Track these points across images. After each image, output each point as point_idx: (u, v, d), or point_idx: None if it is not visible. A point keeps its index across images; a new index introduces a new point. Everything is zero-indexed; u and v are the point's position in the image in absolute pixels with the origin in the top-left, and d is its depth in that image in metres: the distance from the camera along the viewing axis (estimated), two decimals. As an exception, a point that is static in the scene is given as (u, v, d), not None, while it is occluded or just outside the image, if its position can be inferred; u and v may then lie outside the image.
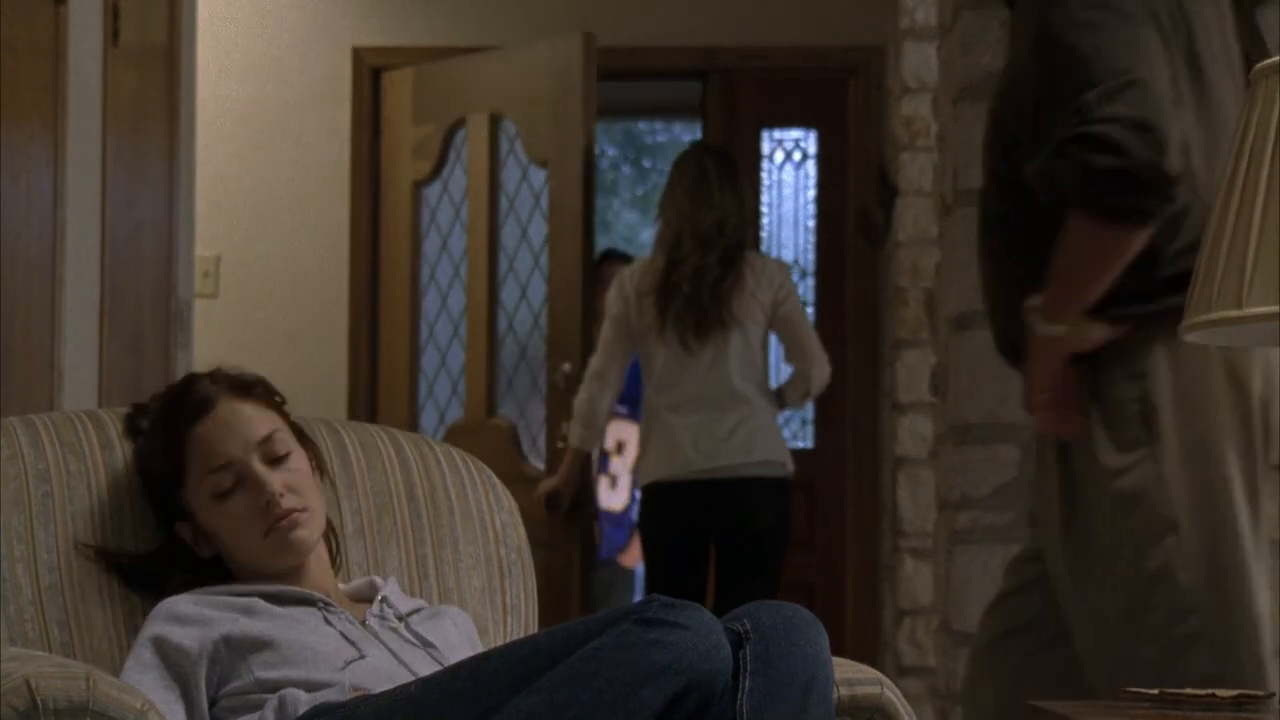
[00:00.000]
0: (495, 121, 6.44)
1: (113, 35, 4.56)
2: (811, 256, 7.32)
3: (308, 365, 6.79)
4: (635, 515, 6.79)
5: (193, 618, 2.38)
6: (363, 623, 2.46)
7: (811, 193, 7.31)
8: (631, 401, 6.39)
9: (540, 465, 6.15)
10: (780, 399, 5.58)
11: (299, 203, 7.01)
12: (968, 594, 4.32)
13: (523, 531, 2.79)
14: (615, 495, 6.85)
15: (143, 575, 2.50)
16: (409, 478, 2.73)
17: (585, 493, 5.96)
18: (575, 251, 6.08)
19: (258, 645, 2.36)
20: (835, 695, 2.29)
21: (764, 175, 7.29)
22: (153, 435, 2.53)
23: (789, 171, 7.37)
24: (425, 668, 2.38)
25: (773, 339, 5.65)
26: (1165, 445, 3.12)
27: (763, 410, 5.47)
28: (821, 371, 5.57)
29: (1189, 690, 2.80)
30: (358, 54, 7.01)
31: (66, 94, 4.21)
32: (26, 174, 4.05)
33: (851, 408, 7.04)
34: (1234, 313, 2.53)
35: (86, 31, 4.40)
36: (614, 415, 5.98)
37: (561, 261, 6.15)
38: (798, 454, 5.70)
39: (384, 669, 2.36)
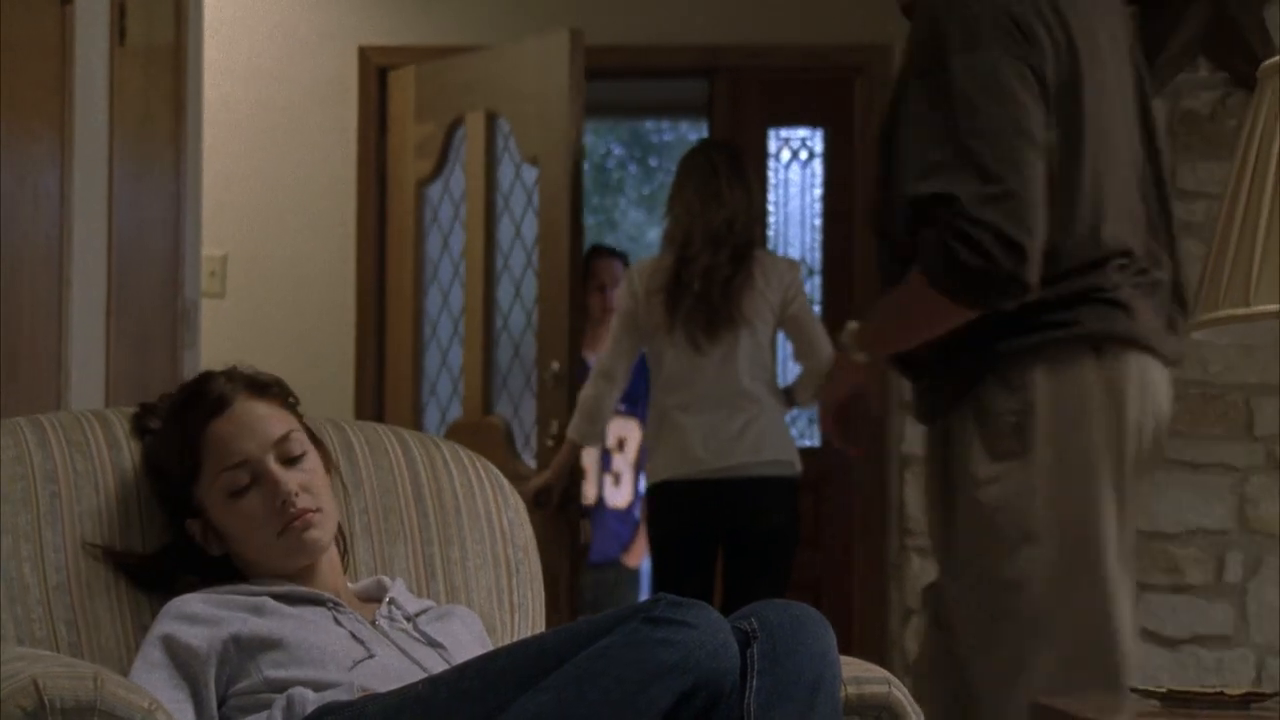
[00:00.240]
0: (491, 120, 6.44)
1: (119, 35, 4.56)
2: (818, 255, 7.32)
3: (314, 365, 6.79)
4: (638, 512, 6.79)
5: (202, 617, 2.38)
6: (372, 623, 2.46)
7: (818, 191, 7.30)
8: (630, 399, 6.39)
9: (533, 464, 6.15)
10: (789, 398, 5.58)
11: (306, 202, 7.01)
12: (975, 592, 4.31)
13: (530, 530, 2.79)
14: (619, 492, 6.85)
15: (150, 575, 2.50)
16: (416, 477, 2.73)
17: (574, 490, 5.94)
18: (563, 250, 6.07)
19: (267, 645, 2.36)
20: (842, 694, 2.29)
21: (770, 174, 7.29)
22: (167, 431, 2.53)
23: (795, 170, 7.36)
24: (435, 667, 2.38)
25: (779, 337, 5.65)
26: (1036, 458, 3.21)
27: (772, 409, 5.46)
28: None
29: (1196, 689, 2.80)
30: (364, 53, 7.01)
31: (73, 93, 4.21)
32: (32, 173, 4.06)
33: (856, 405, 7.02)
34: (1241, 310, 2.53)
35: (93, 31, 4.40)
36: (614, 412, 5.98)
37: (550, 260, 6.14)
38: (804, 452, 5.70)
39: (393, 668, 2.36)
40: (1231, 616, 4.30)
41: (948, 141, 3.15)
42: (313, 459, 2.52)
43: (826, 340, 5.57)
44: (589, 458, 6.36)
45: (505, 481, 2.81)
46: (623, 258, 6.88)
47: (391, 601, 2.52)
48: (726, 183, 5.51)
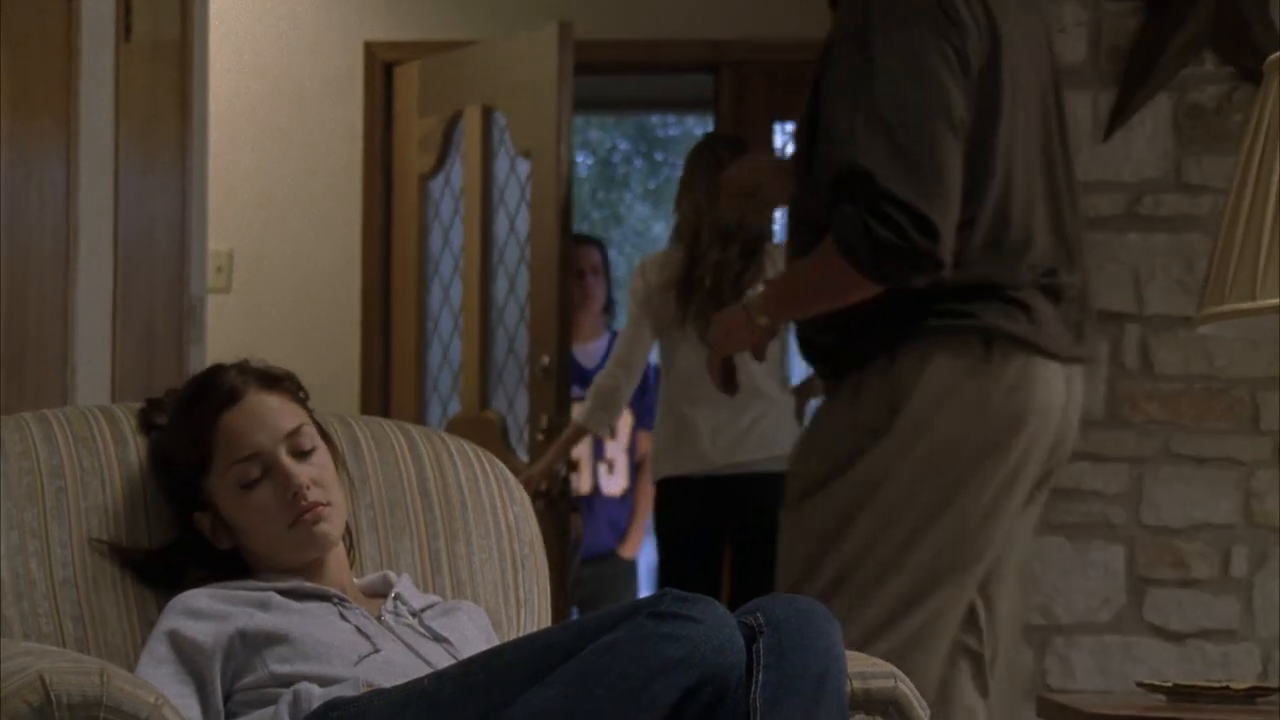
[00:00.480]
0: (487, 114, 6.42)
1: (125, 31, 4.56)
2: (823, 248, 7.30)
3: (320, 360, 6.79)
4: (633, 500, 6.78)
5: (208, 612, 2.39)
6: (378, 618, 2.46)
7: (824, 185, 7.30)
8: None
9: (525, 458, 6.14)
10: (808, 390, 5.56)
11: (311, 198, 7.01)
12: (981, 587, 4.31)
13: (535, 525, 2.79)
14: (614, 480, 6.83)
15: (157, 570, 2.50)
16: (422, 472, 2.73)
17: (564, 485, 5.93)
18: (552, 243, 6.05)
19: (273, 640, 2.36)
20: (848, 689, 2.29)
21: (776, 168, 7.28)
22: (177, 423, 2.53)
23: (801, 164, 7.35)
24: (441, 662, 2.38)
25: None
26: (900, 440, 3.29)
27: (782, 406, 5.46)
28: None
29: (1202, 683, 2.80)
30: (369, 49, 7.00)
31: (78, 90, 4.21)
32: (39, 170, 4.06)
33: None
34: (1247, 305, 2.53)
35: (99, 27, 4.40)
36: (578, 399, 5.98)
37: (540, 253, 6.13)
38: (809, 448, 5.69)
39: (399, 664, 2.37)
40: (1237, 611, 4.30)
41: (868, 116, 3.19)
42: (323, 453, 2.52)
43: None
44: (581, 448, 6.34)
45: (511, 476, 2.82)
46: (598, 244, 6.85)
47: (397, 597, 2.52)
48: None
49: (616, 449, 6.79)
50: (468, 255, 6.52)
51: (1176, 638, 4.32)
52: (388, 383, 6.94)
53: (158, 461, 2.55)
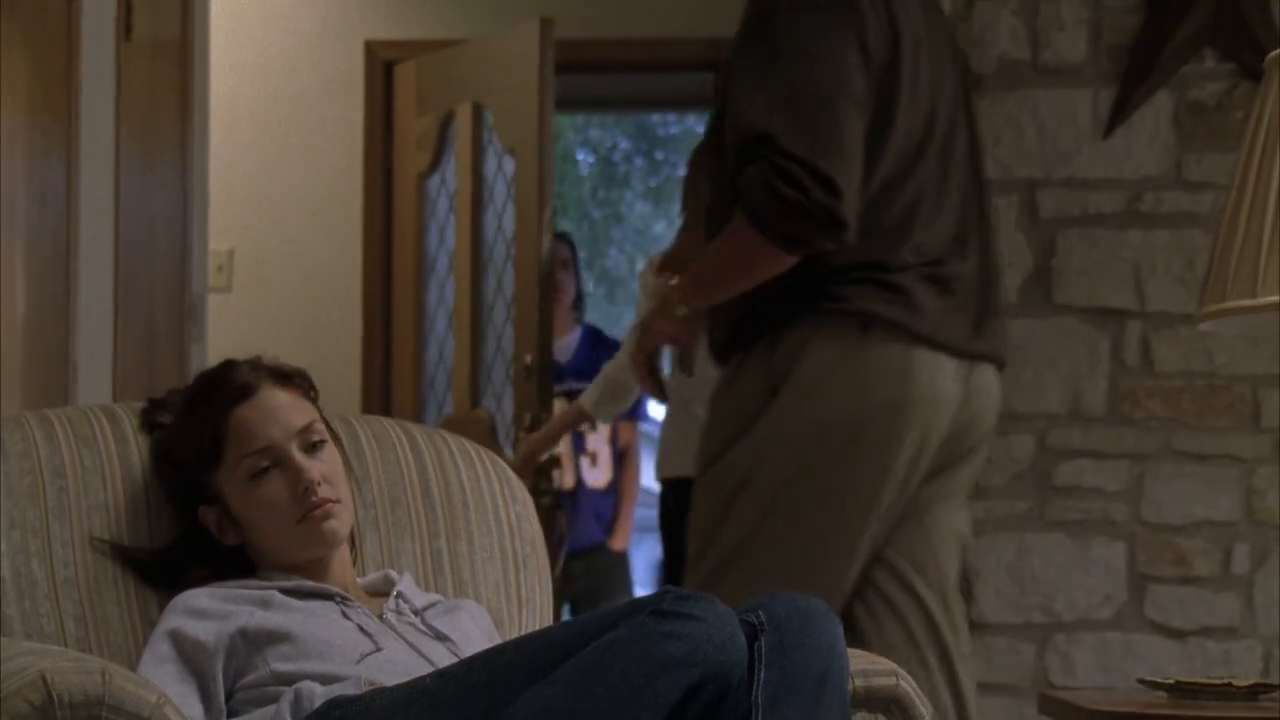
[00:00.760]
0: (478, 111, 6.42)
1: (125, 30, 4.57)
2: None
3: (321, 359, 6.78)
4: (618, 492, 6.76)
5: (209, 611, 2.39)
6: (380, 617, 2.47)
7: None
8: (577, 374, 6.34)
9: (512, 457, 6.13)
10: None
11: (312, 197, 7.01)
12: (983, 584, 4.32)
13: (537, 524, 2.79)
14: (598, 472, 6.81)
15: (158, 569, 2.50)
16: (423, 471, 2.73)
17: (545, 483, 5.91)
18: (533, 241, 6.03)
19: (274, 638, 2.36)
20: (850, 686, 2.29)
21: (776, 166, 7.27)
22: (186, 418, 2.53)
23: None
24: (443, 661, 2.38)
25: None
26: (775, 421, 3.37)
27: None
28: None
29: (1204, 680, 2.80)
30: (370, 48, 7.00)
31: (79, 89, 4.22)
32: (39, 169, 4.06)
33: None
34: (1248, 302, 2.53)
35: (99, 26, 4.40)
36: (555, 395, 5.96)
37: (523, 251, 6.12)
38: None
39: (401, 662, 2.37)
40: (1238, 608, 4.30)
41: (771, 91, 3.28)
42: (333, 451, 2.53)
43: None
44: (561, 444, 6.32)
45: (512, 475, 2.82)
46: (567, 239, 6.84)
47: (399, 595, 2.52)
48: None
49: (599, 441, 6.76)
50: (459, 254, 6.51)
51: (1178, 635, 4.32)
52: (388, 382, 6.94)
53: (163, 457, 2.54)
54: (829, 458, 3.36)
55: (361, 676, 2.31)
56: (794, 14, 3.33)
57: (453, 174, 6.64)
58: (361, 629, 2.41)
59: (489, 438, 6.21)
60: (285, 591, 2.44)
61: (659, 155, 14.14)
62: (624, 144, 14.21)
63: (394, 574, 2.59)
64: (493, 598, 2.70)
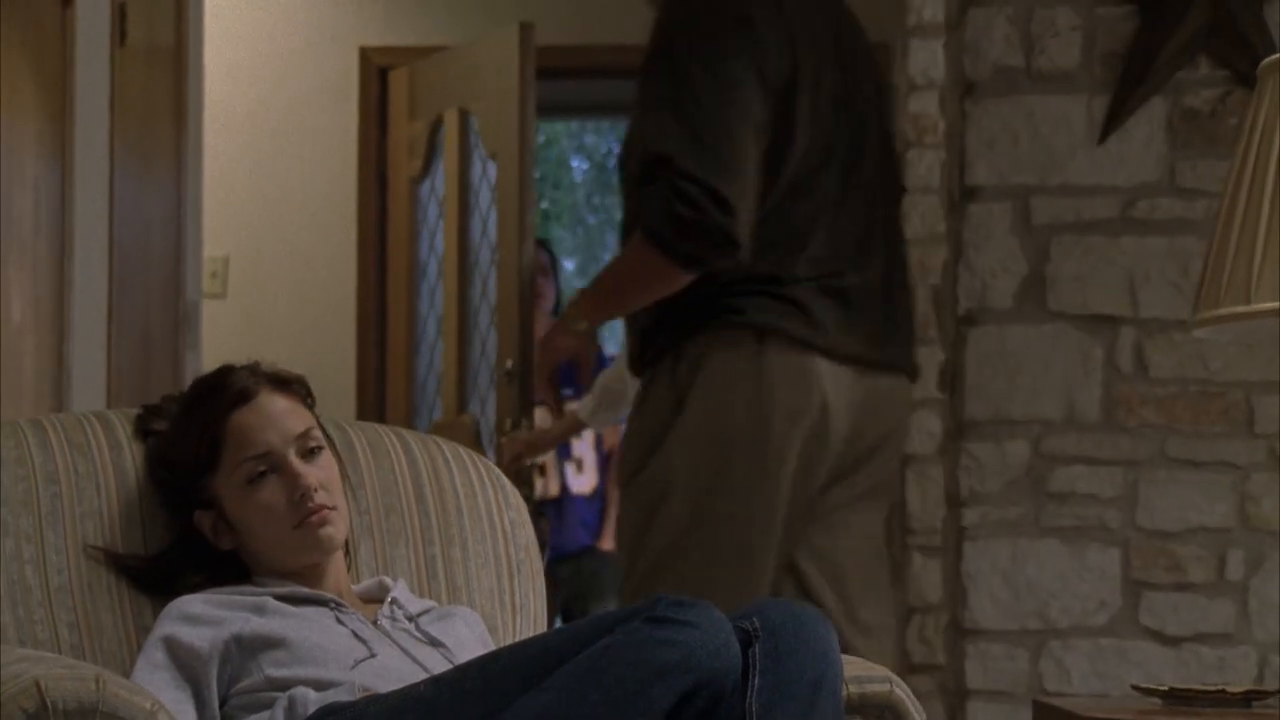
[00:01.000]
0: (464, 117, 6.41)
1: (120, 36, 4.56)
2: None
3: (317, 365, 6.74)
4: (604, 495, 6.74)
5: (204, 617, 2.38)
6: (374, 623, 2.47)
7: (820, 189, 7.29)
8: (561, 382, 6.32)
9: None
10: None
11: (307, 203, 7.01)
12: (977, 590, 4.32)
13: (531, 531, 2.79)
14: (583, 478, 6.79)
15: (153, 576, 2.50)
16: (417, 477, 2.73)
17: (526, 489, 5.90)
18: (513, 246, 6.02)
19: (269, 644, 2.36)
20: (844, 693, 2.29)
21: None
22: (184, 421, 2.52)
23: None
24: (437, 667, 2.38)
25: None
26: (683, 432, 3.50)
27: None
28: None
29: (1198, 687, 2.80)
30: (364, 54, 7.00)
31: (74, 95, 4.21)
32: (33, 174, 4.06)
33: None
34: (1242, 308, 2.54)
35: (94, 32, 4.40)
36: (568, 400, 5.95)
37: (505, 257, 6.11)
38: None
39: (395, 668, 2.37)
40: (1233, 614, 4.30)
41: (672, 114, 3.43)
42: (329, 458, 2.53)
43: None
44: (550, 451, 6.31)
45: (507, 481, 2.82)
46: (545, 245, 6.83)
47: (393, 602, 2.52)
48: None
49: (584, 446, 6.75)
50: (447, 260, 6.51)
51: (1172, 641, 4.32)
52: (383, 387, 6.93)
53: (159, 460, 2.54)
54: (733, 467, 3.48)
55: (356, 683, 2.31)
56: (694, 39, 3.46)
57: (442, 180, 6.64)
58: (356, 635, 2.41)
59: (474, 443, 6.20)
60: (280, 597, 2.43)
61: (654, 161, 14.15)
62: (619, 150, 14.24)
63: (388, 580, 2.59)
64: (487, 604, 2.70)
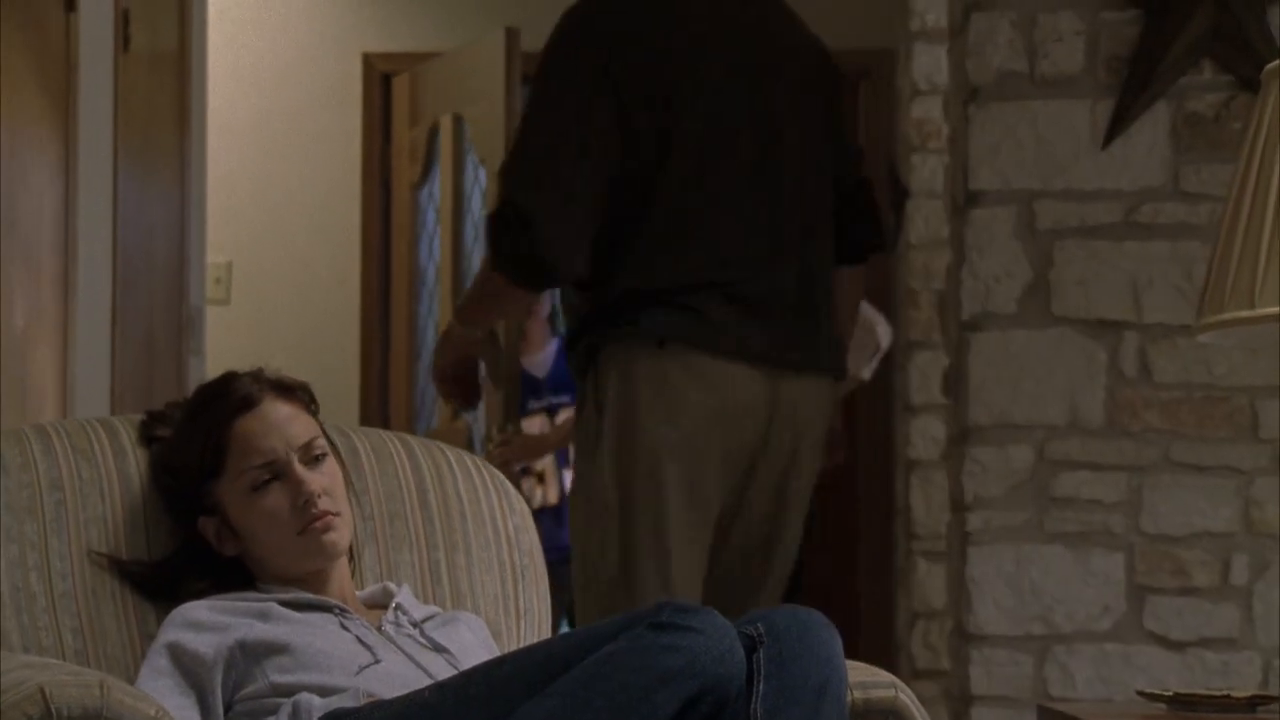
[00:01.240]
0: (458, 122, 6.41)
1: (123, 42, 4.57)
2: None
3: (320, 371, 6.72)
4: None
5: (208, 623, 2.38)
6: (378, 629, 2.46)
7: (823, 195, 7.27)
8: (556, 388, 6.29)
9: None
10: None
11: (310, 208, 7.01)
12: (981, 595, 4.31)
13: (535, 536, 2.79)
14: (549, 489, 6.75)
15: (157, 582, 2.50)
16: (421, 483, 2.73)
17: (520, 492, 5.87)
18: None
19: (273, 650, 2.36)
20: (849, 698, 2.29)
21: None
22: (189, 427, 2.52)
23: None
24: (443, 672, 2.38)
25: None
26: (605, 442, 3.59)
27: None
28: (885, 329, 5.33)
29: (1203, 692, 2.80)
30: (368, 60, 7.01)
31: (77, 100, 4.22)
32: (37, 180, 4.06)
33: (863, 409, 7.02)
34: (1246, 313, 2.53)
35: (97, 38, 4.40)
36: (564, 408, 5.94)
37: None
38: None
39: (399, 674, 2.36)
40: (1237, 619, 4.30)
41: (520, 148, 3.64)
42: (333, 465, 2.53)
43: (870, 306, 5.36)
44: (546, 459, 6.29)
45: (510, 487, 2.82)
46: None
47: (398, 607, 2.52)
48: None
49: (545, 460, 6.73)
50: (442, 265, 6.51)
51: (1177, 646, 4.32)
52: (386, 393, 6.93)
53: (163, 467, 2.54)
54: (651, 474, 3.56)
55: (360, 689, 2.31)
56: (548, 55, 3.63)
57: (439, 185, 6.64)
58: (360, 641, 2.41)
59: (468, 450, 6.19)
60: (284, 603, 2.43)
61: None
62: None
63: (393, 586, 2.59)
64: (491, 609, 2.70)
